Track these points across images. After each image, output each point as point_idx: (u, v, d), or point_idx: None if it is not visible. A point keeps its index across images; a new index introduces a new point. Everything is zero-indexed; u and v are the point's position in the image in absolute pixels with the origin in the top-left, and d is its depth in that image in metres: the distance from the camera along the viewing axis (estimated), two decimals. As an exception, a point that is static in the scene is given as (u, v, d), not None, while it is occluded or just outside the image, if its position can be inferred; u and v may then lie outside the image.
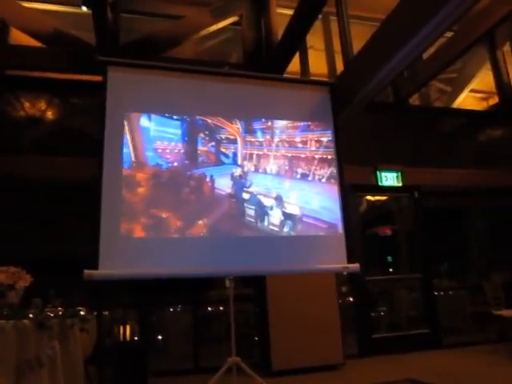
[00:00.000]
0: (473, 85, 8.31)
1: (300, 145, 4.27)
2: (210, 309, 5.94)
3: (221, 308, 5.91)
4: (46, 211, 5.59)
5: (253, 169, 4.06)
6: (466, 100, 8.42)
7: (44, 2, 6.45)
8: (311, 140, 4.31)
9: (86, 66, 5.53)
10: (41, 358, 3.20)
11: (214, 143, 4.07)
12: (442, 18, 3.12)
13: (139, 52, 5.86)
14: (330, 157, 4.28)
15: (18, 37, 5.98)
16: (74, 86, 6.00)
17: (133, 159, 3.81)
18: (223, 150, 4.06)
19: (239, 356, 3.64)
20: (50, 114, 5.86)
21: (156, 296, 5.56)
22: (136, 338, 5.37)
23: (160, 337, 5.71)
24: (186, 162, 3.93)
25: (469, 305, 6.90)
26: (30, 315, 3.43)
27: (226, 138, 4.12)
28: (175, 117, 4.02)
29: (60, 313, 3.62)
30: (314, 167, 4.23)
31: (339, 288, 5.75)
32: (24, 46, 5.96)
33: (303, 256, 3.81)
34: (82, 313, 3.72)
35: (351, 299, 6.23)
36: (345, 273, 5.51)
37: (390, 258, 7.22)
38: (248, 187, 3.99)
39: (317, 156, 4.27)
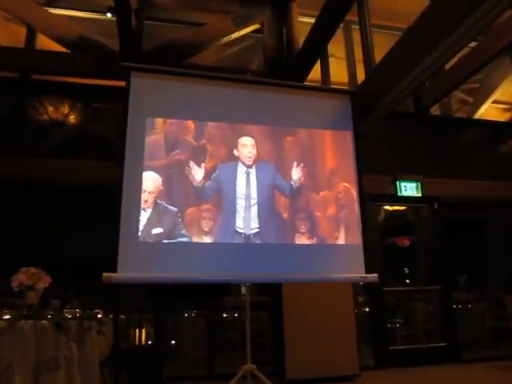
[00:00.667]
0: (495, 95, 8.19)
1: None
2: (225, 315, 5.93)
3: (236, 315, 5.90)
4: (67, 214, 5.66)
5: (270, 178, 4.06)
6: (489, 111, 8.30)
7: (70, 9, 6.59)
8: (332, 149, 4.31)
9: (110, 71, 5.61)
10: (58, 359, 3.24)
11: (233, 149, 4.08)
12: (467, 28, 3.09)
13: (162, 58, 5.94)
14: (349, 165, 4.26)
15: (44, 42, 6.12)
16: (96, 90, 6.11)
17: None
18: (243, 156, 4.07)
19: (254, 364, 3.62)
20: (72, 118, 5.96)
21: (172, 301, 5.57)
22: (151, 343, 5.39)
23: (175, 342, 5.71)
24: (205, 167, 3.94)
25: (488, 319, 6.76)
26: (49, 316, 3.47)
27: (245, 145, 4.12)
28: (196, 122, 4.04)
29: (78, 314, 3.66)
30: (333, 176, 4.22)
31: (356, 298, 5.69)
32: (49, 52, 6.10)
33: (321, 264, 3.78)
34: (99, 315, 3.76)
35: (367, 309, 6.16)
36: (361, 283, 5.45)
37: (407, 269, 7.13)
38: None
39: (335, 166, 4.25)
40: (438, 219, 6.66)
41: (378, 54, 4.82)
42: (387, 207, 6.86)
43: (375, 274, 3.85)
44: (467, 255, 7.29)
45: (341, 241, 3.96)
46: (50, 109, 5.90)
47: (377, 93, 4.34)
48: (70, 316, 3.56)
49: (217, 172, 3.96)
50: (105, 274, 3.25)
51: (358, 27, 5.38)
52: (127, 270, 3.41)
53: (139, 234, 3.58)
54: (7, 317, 3.39)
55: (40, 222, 5.61)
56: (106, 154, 5.17)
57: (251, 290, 3.82)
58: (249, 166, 4.05)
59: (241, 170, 4.03)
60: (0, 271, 4.18)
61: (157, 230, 3.64)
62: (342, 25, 6.07)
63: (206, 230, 3.74)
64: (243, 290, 3.78)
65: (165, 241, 3.62)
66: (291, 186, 4.09)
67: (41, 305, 3.70)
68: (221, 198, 3.90)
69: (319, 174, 4.20)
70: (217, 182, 3.93)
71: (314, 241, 3.90)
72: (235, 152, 4.08)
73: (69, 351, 3.34)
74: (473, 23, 3.10)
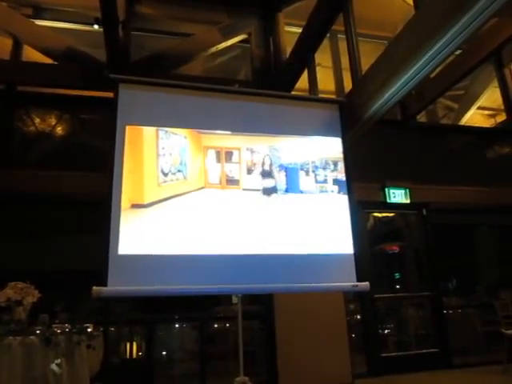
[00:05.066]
0: (480, 102, 8.32)
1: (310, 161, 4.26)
2: (216, 325, 5.90)
3: (227, 325, 5.87)
4: (55, 226, 5.61)
5: (260, 185, 4.04)
6: (474, 117, 8.42)
7: (56, 21, 6.56)
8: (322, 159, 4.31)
9: (97, 82, 5.60)
10: (47, 375, 3.19)
11: (220, 160, 4.06)
12: (453, 37, 3.13)
13: (149, 69, 5.94)
14: (339, 175, 4.27)
15: (31, 54, 6.08)
16: (84, 101, 6.09)
17: (142, 175, 3.81)
18: (232, 167, 4.05)
19: (246, 374, 3.59)
20: (59, 130, 5.92)
21: (162, 312, 5.53)
22: (142, 355, 5.33)
23: (166, 354, 5.66)
24: (193, 178, 3.92)
25: (479, 324, 6.80)
26: (37, 331, 3.42)
27: (231, 153, 4.10)
28: (183, 132, 4.01)
29: (67, 329, 3.61)
30: (329, 183, 4.23)
31: (347, 305, 5.69)
32: (36, 63, 6.07)
33: (312, 274, 3.77)
34: (88, 329, 3.71)
35: (359, 317, 6.17)
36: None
37: (397, 276, 7.16)
38: (256, 204, 3.98)
39: (326, 174, 4.25)
40: (427, 225, 6.72)
41: (365, 63, 4.87)
42: (376, 214, 6.90)
43: (366, 283, 3.85)
44: (456, 261, 7.35)
45: (332, 250, 3.96)
46: (37, 120, 5.86)
47: (364, 102, 4.38)
48: (59, 331, 3.52)
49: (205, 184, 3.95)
50: (94, 288, 3.21)
51: (344, 36, 5.43)
52: (118, 283, 3.37)
53: (129, 246, 3.54)
54: (-5, 333, 3.34)
55: (27, 233, 5.54)
56: (95, 165, 5.13)
57: (242, 299, 3.80)
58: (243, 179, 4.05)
59: (232, 183, 4.02)
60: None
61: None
62: (328, 34, 6.13)
63: (196, 242, 3.71)
64: (234, 299, 3.76)
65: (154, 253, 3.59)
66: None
67: (29, 320, 3.65)
68: (208, 210, 3.88)
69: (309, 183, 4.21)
70: (202, 194, 3.91)
71: (304, 250, 3.89)
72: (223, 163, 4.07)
73: (58, 367, 3.29)
74: (458, 32, 3.14)
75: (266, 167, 4.11)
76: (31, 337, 3.32)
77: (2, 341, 3.21)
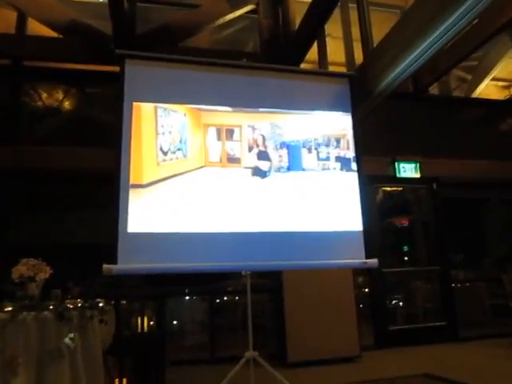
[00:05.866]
0: (494, 73, 8.10)
1: (317, 135, 4.19)
2: (226, 298, 5.98)
3: (237, 298, 5.94)
4: (66, 201, 5.65)
5: (267, 163, 4.00)
6: (488, 88, 8.21)
7: (61, -8, 6.43)
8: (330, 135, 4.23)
9: (103, 56, 5.52)
10: (61, 349, 3.26)
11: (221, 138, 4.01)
12: (469, 8, 3.00)
13: (156, 41, 5.83)
14: (341, 152, 4.21)
15: (36, 27, 5.99)
16: (90, 75, 6.03)
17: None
18: (233, 145, 4.00)
19: (255, 347, 3.65)
20: (67, 104, 5.89)
21: (173, 286, 5.61)
22: (153, 328, 5.44)
23: (177, 327, 5.77)
24: (194, 156, 3.88)
25: (487, 297, 6.83)
26: (51, 307, 3.48)
27: (232, 131, 4.04)
28: (183, 109, 3.94)
29: (79, 304, 3.67)
30: (332, 161, 4.17)
31: (355, 278, 5.72)
32: (41, 37, 5.99)
33: (321, 251, 3.77)
34: (100, 304, 3.77)
35: (367, 290, 6.22)
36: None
37: (406, 248, 7.15)
38: (264, 182, 3.94)
39: (329, 151, 4.19)
40: (436, 199, 6.67)
41: (377, 33, 4.73)
42: (386, 188, 6.85)
43: (375, 260, 3.85)
44: (465, 235, 7.32)
45: (340, 227, 3.94)
46: (44, 95, 5.83)
47: (376, 75, 4.27)
48: (71, 306, 3.58)
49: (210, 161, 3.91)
50: (105, 266, 3.24)
51: (355, 6, 5.27)
52: (128, 260, 3.40)
53: (137, 223, 3.55)
54: (9, 309, 3.40)
55: (38, 208, 5.60)
56: (103, 140, 5.11)
57: (252, 272, 3.82)
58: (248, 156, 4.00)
59: (235, 160, 3.97)
60: (1, 258, 4.20)
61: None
62: (338, 3, 5.94)
63: (205, 219, 3.72)
64: (244, 272, 3.78)
65: (164, 231, 3.60)
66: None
67: (42, 295, 3.72)
68: (215, 187, 3.86)
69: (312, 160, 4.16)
70: (210, 171, 3.88)
71: (311, 228, 3.88)
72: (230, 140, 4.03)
73: (72, 341, 3.36)
74: (474, 4, 3.02)
75: (261, 147, 4.04)
76: (45, 312, 3.37)
77: (16, 316, 3.28)
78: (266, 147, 4.02)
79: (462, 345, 5.83)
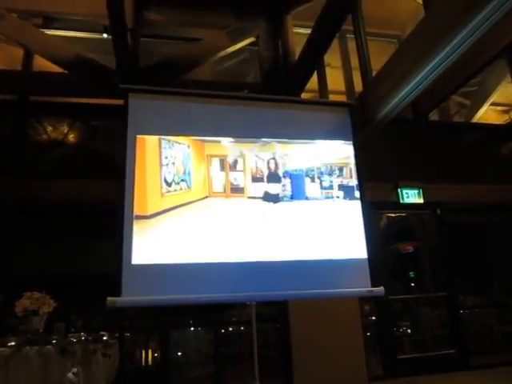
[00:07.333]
0: (493, 98, 8.20)
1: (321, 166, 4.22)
2: (230, 329, 5.91)
3: (242, 328, 5.87)
4: (67, 233, 5.66)
5: (273, 191, 4.02)
6: (487, 113, 8.31)
7: (66, 30, 6.61)
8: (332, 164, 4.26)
9: (107, 89, 5.62)
10: (64, 384, 3.22)
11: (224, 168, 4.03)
12: (466, 37, 3.07)
13: (159, 74, 5.95)
14: (344, 180, 4.23)
15: (42, 63, 6.14)
16: (95, 108, 6.13)
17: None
18: (236, 175, 4.03)
19: (261, 378, 3.58)
20: (71, 137, 5.97)
21: (177, 316, 5.55)
22: (158, 360, 5.36)
23: (181, 358, 5.68)
24: (197, 187, 3.90)
25: (496, 323, 6.71)
26: (54, 341, 3.46)
27: (235, 161, 4.07)
28: (186, 141, 3.99)
29: (83, 338, 3.64)
30: (335, 189, 4.18)
31: (362, 306, 5.65)
32: (47, 73, 6.14)
33: (326, 280, 3.74)
34: (104, 338, 3.74)
35: (374, 318, 6.13)
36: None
37: (412, 274, 7.08)
38: (268, 211, 3.95)
39: (332, 180, 4.21)
40: (441, 224, 6.65)
41: (375, 62, 4.82)
42: (390, 214, 6.84)
43: (381, 288, 3.81)
44: (472, 260, 7.25)
45: (344, 255, 3.92)
46: (49, 128, 5.92)
47: (375, 104, 4.34)
48: (74, 340, 3.55)
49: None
50: (109, 299, 3.22)
51: (353, 36, 5.39)
52: (131, 292, 3.38)
53: (142, 255, 3.55)
54: (12, 343, 3.38)
55: (40, 241, 5.60)
56: (108, 172, 5.16)
57: (257, 302, 3.78)
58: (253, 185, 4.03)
59: (239, 191, 3.99)
60: (4, 292, 4.19)
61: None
62: (337, 34, 6.09)
63: (210, 250, 3.71)
64: (249, 302, 3.75)
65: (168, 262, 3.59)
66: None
67: (45, 328, 3.69)
68: (220, 218, 3.86)
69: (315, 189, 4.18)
70: (214, 202, 3.90)
71: (315, 256, 3.86)
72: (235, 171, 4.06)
73: (74, 375, 3.32)
74: (470, 33, 3.09)
75: (272, 171, 4.08)
76: (48, 346, 3.36)
77: (19, 351, 3.26)
78: (276, 170, 4.07)
79: (472, 373, 5.70)
